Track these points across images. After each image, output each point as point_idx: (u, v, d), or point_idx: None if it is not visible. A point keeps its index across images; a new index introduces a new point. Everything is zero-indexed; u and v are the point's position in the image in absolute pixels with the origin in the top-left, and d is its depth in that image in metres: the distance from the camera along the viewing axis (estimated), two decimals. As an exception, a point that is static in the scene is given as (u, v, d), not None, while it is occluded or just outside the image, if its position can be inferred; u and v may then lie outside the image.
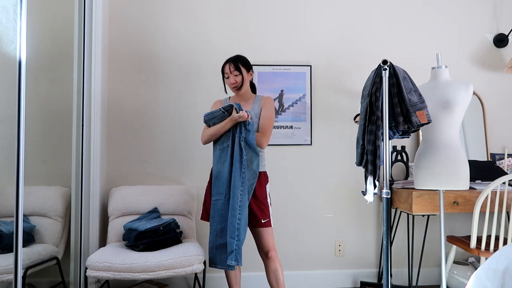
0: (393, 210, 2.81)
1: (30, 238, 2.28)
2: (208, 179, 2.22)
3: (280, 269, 2.13)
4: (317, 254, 2.85)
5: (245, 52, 2.82)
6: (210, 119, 2.10)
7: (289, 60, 2.88)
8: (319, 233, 2.85)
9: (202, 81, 2.83)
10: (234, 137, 2.05)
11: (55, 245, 2.37)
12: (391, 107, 1.87)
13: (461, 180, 2.07)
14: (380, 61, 1.86)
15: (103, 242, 2.62)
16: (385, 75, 1.80)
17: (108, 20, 2.78)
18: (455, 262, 2.76)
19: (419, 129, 2.27)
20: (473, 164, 2.57)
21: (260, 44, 2.87)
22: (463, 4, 3.01)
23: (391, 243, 2.86)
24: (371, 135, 1.87)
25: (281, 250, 2.78)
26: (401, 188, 2.56)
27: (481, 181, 2.53)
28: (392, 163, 2.79)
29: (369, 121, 1.88)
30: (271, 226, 2.13)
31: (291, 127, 2.84)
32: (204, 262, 2.15)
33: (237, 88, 2.17)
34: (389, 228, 1.80)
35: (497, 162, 2.83)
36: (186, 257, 2.05)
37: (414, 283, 2.75)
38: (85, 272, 2.02)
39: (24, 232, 2.23)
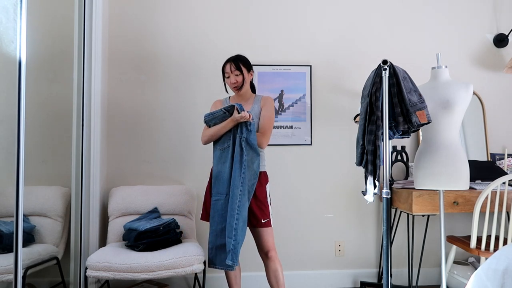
0: (393, 210, 2.81)
1: (30, 238, 2.28)
2: (208, 179, 2.22)
3: (280, 269, 2.13)
4: (317, 254, 2.85)
5: (245, 52, 2.82)
6: (211, 120, 2.10)
7: (289, 60, 2.88)
8: (319, 233, 2.85)
9: (202, 81, 2.83)
10: (234, 137, 2.05)
11: (55, 245, 2.37)
12: (391, 107, 1.87)
13: (461, 180, 2.07)
14: (380, 61, 1.86)
15: (103, 242, 2.62)
16: (385, 75, 1.80)
17: (108, 20, 2.78)
18: (455, 262, 2.76)
19: (419, 129, 2.27)
20: (473, 164, 2.57)
21: (260, 44, 2.87)
22: (463, 4, 3.01)
23: (391, 243, 2.86)
24: (371, 135, 1.87)
25: (281, 250, 2.78)
26: (401, 188, 2.56)
27: (481, 181, 2.53)
28: (392, 163, 2.79)
29: (369, 121, 1.88)
30: (271, 226, 2.13)
31: (291, 127, 2.84)
32: (204, 262, 2.15)
33: (238, 88, 2.17)
34: (389, 228, 1.80)
35: (497, 162, 2.83)
36: (186, 257, 2.05)
37: (414, 283, 2.75)
38: (85, 272, 2.02)
39: (24, 232, 2.23)
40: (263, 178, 2.15)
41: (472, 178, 2.52)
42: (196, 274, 2.56)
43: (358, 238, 2.87)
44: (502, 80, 3.01)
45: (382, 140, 1.85)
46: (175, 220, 2.38)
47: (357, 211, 2.88)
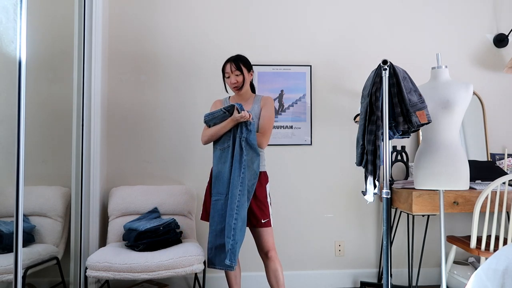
0: (393, 210, 2.81)
1: (30, 238, 2.28)
2: (208, 179, 2.22)
3: (280, 269, 2.13)
4: (317, 254, 2.85)
5: (245, 52, 2.82)
6: (211, 120, 2.10)
7: (289, 60, 2.88)
8: (319, 233, 2.85)
9: (202, 81, 2.83)
10: (234, 137, 2.05)
11: (55, 245, 2.37)
12: (391, 107, 1.87)
13: (461, 180, 2.07)
14: (380, 61, 1.86)
15: (103, 242, 2.62)
16: (385, 75, 1.80)
17: (108, 20, 2.78)
18: (455, 262, 2.76)
19: (419, 129, 2.27)
20: (473, 164, 2.57)
21: (260, 44, 2.87)
22: (463, 4, 3.01)
23: (391, 243, 2.86)
24: (371, 135, 1.87)
25: (281, 250, 2.78)
26: (401, 188, 2.56)
27: (481, 181, 2.53)
28: (392, 163, 2.79)
29: (369, 121, 1.88)
30: (271, 226, 2.13)
31: (291, 127, 2.84)
32: (204, 262, 2.15)
33: (238, 88, 2.17)
34: (389, 228, 1.80)
35: (497, 162, 2.83)
36: (186, 257, 2.05)
37: (414, 283, 2.75)
38: (85, 272, 2.02)
39: (24, 232, 2.23)
40: (263, 178, 2.15)
41: (472, 178, 2.52)
42: (196, 274, 2.56)
43: (358, 238, 2.87)
44: (502, 80, 3.01)
45: (382, 140, 1.85)
46: (175, 220, 2.38)
47: (357, 211, 2.88)
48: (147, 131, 2.79)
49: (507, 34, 2.99)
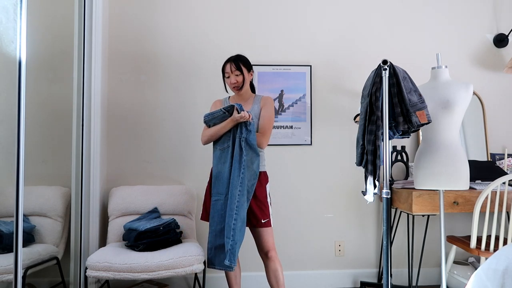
0: (393, 210, 2.81)
1: (30, 238, 2.28)
2: (208, 179, 2.22)
3: (280, 269, 2.13)
4: (317, 254, 2.85)
5: (245, 52, 2.82)
6: (211, 120, 2.10)
7: (289, 60, 2.88)
8: (319, 233, 2.85)
9: (202, 81, 2.83)
10: (234, 137, 2.05)
11: (55, 245, 2.37)
12: (391, 107, 1.87)
13: (461, 180, 2.07)
14: (380, 61, 1.86)
15: (103, 242, 2.62)
16: (385, 75, 1.80)
17: (108, 20, 2.78)
18: (455, 262, 2.76)
19: (419, 129, 2.27)
20: (473, 164, 2.57)
21: (260, 44, 2.87)
22: (463, 4, 3.01)
23: (391, 243, 2.86)
24: (371, 135, 1.87)
25: (281, 250, 2.78)
26: (401, 188, 2.56)
27: (481, 181, 2.53)
28: (392, 163, 2.79)
29: (369, 121, 1.88)
30: (271, 226, 2.13)
31: (291, 127, 2.84)
32: (204, 262, 2.15)
33: (238, 88, 2.17)
34: (389, 228, 1.80)
35: (497, 162, 2.83)
36: (186, 257, 2.05)
37: (414, 283, 2.75)
38: (85, 272, 2.02)
39: (24, 232, 2.23)
40: (263, 178, 2.15)
41: (472, 178, 2.52)
42: (196, 274, 2.56)
43: (358, 238, 2.87)
44: (502, 80, 3.01)
45: (382, 140, 1.85)
46: (175, 220, 2.38)
47: (357, 211, 2.88)
48: (147, 131, 2.79)
49: (507, 34, 2.99)
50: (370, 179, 1.87)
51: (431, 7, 2.99)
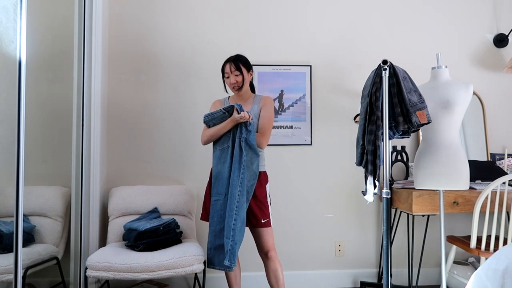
0: (393, 210, 2.81)
1: (30, 238, 2.28)
2: (208, 180, 2.22)
3: (280, 269, 2.13)
4: (317, 254, 2.85)
5: (245, 52, 2.82)
6: (210, 120, 2.10)
7: (289, 60, 2.88)
8: (319, 233, 2.85)
9: (202, 81, 2.83)
10: (234, 137, 2.05)
11: (55, 245, 2.37)
12: (391, 107, 1.87)
13: (461, 180, 2.07)
14: (380, 61, 1.86)
15: (103, 242, 2.62)
16: (385, 75, 1.80)
17: (108, 20, 2.78)
18: (455, 262, 2.76)
19: (419, 129, 2.27)
20: (473, 164, 2.57)
21: (260, 44, 2.87)
22: (463, 4, 3.01)
23: (391, 243, 2.86)
24: (371, 135, 1.87)
25: (281, 250, 2.78)
26: (401, 188, 2.56)
27: (481, 181, 2.53)
28: (392, 163, 2.79)
29: (369, 121, 1.88)
30: (270, 226, 2.13)
31: (291, 127, 2.84)
32: (204, 262, 2.15)
33: (238, 88, 2.17)
34: (389, 228, 1.80)
35: (497, 162, 2.83)
36: (186, 257, 2.05)
37: (414, 283, 2.75)
38: (85, 272, 2.02)
39: (24, 232, 2.23)
40: (263, 178, 2.15)
41: (472, 178, 2.52)
42: (196, 274, 2.56)
43: (358, 238, 2.87)
44: (502, 80, 3.01)
45: (382, 140, 1.85)
46: (175, 220, 2.38)
47: (357, 211, 2.88)
48: (147, 131, 2.79)
49: (507, 34, 2.99)
50: (370, 179, 1.87)
51: (431, 7, 2.99)
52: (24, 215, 2.35)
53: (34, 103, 2.50)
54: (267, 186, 2.17)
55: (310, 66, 2.87)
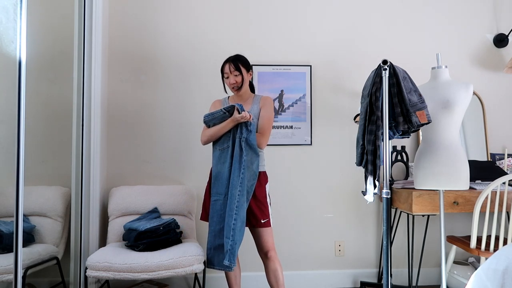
0: (393, 210, 2.81)
1: (30, 238, 2.28)
2: (208, 180, 2.22)
3: (280, 269, 2.12)
4: (317, 254, 2.85)
5: (245, 52, 2.82)
6: (210, 120, 2.10)
7: (289, 60, 2.88)
8: (319, 233, 2.85)
9: (202, 81, 2.83)
10: (234, 137, 2.05)
11: (55, 245, 2.37)
12: (391, 107, 1.87)
13: (461, 180, 2.07)
14: (380, 61, 1.86)
15: (103, 242, 2.62)
16: (385, 75, 1.80)
17: (108, 20, 2.78)
18: (455, 262, 2.76)
19: (419, 129, 2.27)
20: (473, 164, 2.57)
21: (260, 44, 2.87)
22: (463, 4, 3.01)
23: (391, 243, 2.86)
24: (371, 135, 1.87)
25: (281, 250, 2.78)
26: (401, 188, 2.56)
27: (481, 181, 2.53)
28: (392, 163, 2.79)
29: (369, 121, 1.88)
30: (270, 226, 2.12)
31: (291, 127, 2.84)
32: (204, 262, 2.15)
33: (237, 88, 2.17)
34: (389, 228, 1.80)
35: (497, 162, 2.83)
36: (186, 257, 2.05)
37: (414, 283, 2.75)
38: (85, 272, 2.02)
39: (24, 232, 2.23)
40: (262, 178, 2.15)
41: (472, 178, 2.52)
42: (196, 274, 2.56)
43: (358, 238, 2.87)
44: (502, 80, 3.01)
45: (382, 140, 1.85)
46: (175, 220, 2.38)
47: (357, 211, 2.88)
48: (147, 131, 2.79)
49: (507, 34, 2.99)
50: (370, 179, 1.87)
51: (431, 7, 2.99)
52: (24, 215, 2.35)
53: (34, 103, 2.50)
54: (267, 186, 2.17)
55: (310, 66, 2.87)
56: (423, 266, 2.87)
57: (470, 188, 2.43)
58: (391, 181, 2.68)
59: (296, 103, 2.85)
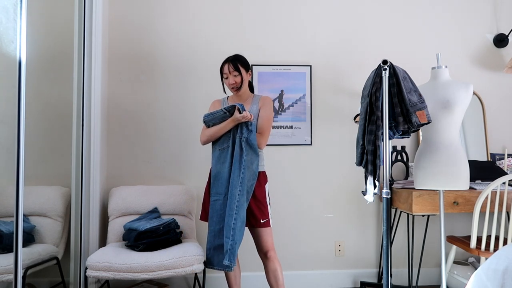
0: (393, 210, 2.81)
1: (30, 238, 2.28)
2: (207, 180, 2.22)
3: (280, 269, 2.12)
4: (317, 254, 2.85)
5: (245, 52, 2.82)
6: (210, 120, 2.10)
7: (289, 60, 2.88)
8: (319, 233, 2.85)
9: (201, 81, 2.83)
10: (234, 137, 2.05)
11: (55, 245, 2.37)
12: (391, 107, 1.87)
13: (461, 180, 2.07)
14: (380, 61, 1.86)
15: (103, 242, 2.62)
16: (385, 75, 1.80)
17: (108, 20, 2.78)
18: (455, 262, 2.76)
19: (419, 129, 2.27)
20: (473, 164, 2.57)
21: (260, 44, 2.87)
22: (463, 4, 3.01)
23: (391, 243, 2.86)
24: (371, 135, 1.87)
25: (281, 250, 2.78)
26: (401, 188, 2.56)
27: (481, 181, 2.53)
28: (392, 163, 2.79)
29: (369, 121, 1.88)
30: (270, 226, 2.12)
31: (291, 127, 2.84)
32: (204, 262, 2.15)
33: (237, 88, 2.16)
34: (389, 228, 1.80)
35: (497, 162, 2.83)
36: (186, 257, 2.05)
37: (414, 283, 2.75)
38: (85, 272, 2.02)
39: (24, 232, 2.23)
40: (262, 178, 2.15)
41: (472, 178, 2.52)
42: (196, 274, 2.56)
43: (358, 238, 2.87)
44: (502, 80, 3.01)
45: (382, 140, 1.85)
46: (175, 220, 2.38)
47: (357, 211, 2.87)
48: (147, 131, 2.79)
49: (507, 34, 2.99)
50: (370, 179, 1.87)
51: (431, 7, 2.99)
52: (24, 215, 2.35)
53: (34, 103, 2.50)
54: (266, 186, 2.17)
55: (310, 66, 2.87)
56: (423, 266, 2.87)
57: (470, 188, 2.43)
58: (391, 181, 2.68)
59: (296, 103, 2.85)
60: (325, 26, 2.92)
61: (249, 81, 2.25)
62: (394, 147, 2.77)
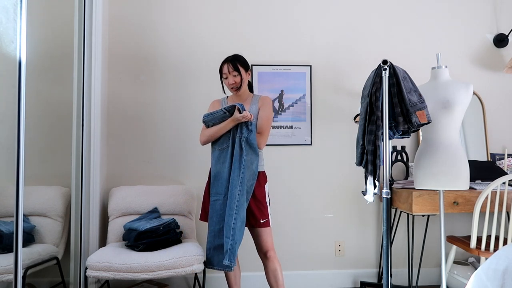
0: (393, 210, 2.81)
1: (30, 238, 2.28)
2: (207, 180, 2.22)
3: (279, 269, 2.12)
4: (317, 254, 2.85)
5: (245, 52, 2.82)
6: (210, 120, 2.10)
7: (289, 60, 2.88)
8: (319, 233, 2.85)
9: (201, 81, 2.83)
10: (234, 137, 2.04)
11: (55, 245, 2.37)
12: (391, 107, 1.87)
13: (461, 180, 2.07)
14: (380, 61, 1.86)
15: (103, 242, 2.62)
16: (385, 75, 1.80)
17: (108, 20, 2.78)
18: (455, 262, 2.76)
19: (419, 129, 2.27)
20: (473, 164, 2.57)
21: (260, 44, 2.87)
22: (463, 4, 3.01)
23: (391, 243, 2.86)
24: (371, 135, 1.87)
25: (281, 250, 2.78)
26: (401, 188, 2.56)
27: (481, 181, 2.53)
28: (392, 163, 2.79)
29: (369, 121, 1.88)
30: (269, 226, 2.12)
31: (291, 127, 2.84)
32: (204, 262, 2.15)
33: (236, 88, 2.16)
34: (389, 228, 1.80)
35: (497, 162, 2.83)
36: (186, 257, 2.05)
37: (414, 283, 2.75)
38: (85, 272, 2.02)
39: (24, 232, 2.23)
40: (261, 178, 2.15)
41: (472, 178, 2.52)
42: (196, 274, 2.56)
43: (358, 238, 2.87)
44: (502, 80, 3.00)
45: (382, 140, 1.85)
46: (175, 220, 2.38)
47: (357, 211, 2.87)
48: (147, 131, 2.79)
49: (507, 34, 2.99)
50: (370, 179, 1.87)
51: (431, 7, 2.99)
52: (24, 215, 2.35)
53: (34, 103, 2.50)
54: (266, 186, 2.17)
55: (310, 66, 2.87)
56: (423, 266, 2.87)
57: (470, 188, 2.43)
58: (391, 181, 2.68)
59: (296, 103, 2.85)
60: (325, 26, 2.92)
61: (248, 81, 2.25)
62: (394, 147, 2.77)
